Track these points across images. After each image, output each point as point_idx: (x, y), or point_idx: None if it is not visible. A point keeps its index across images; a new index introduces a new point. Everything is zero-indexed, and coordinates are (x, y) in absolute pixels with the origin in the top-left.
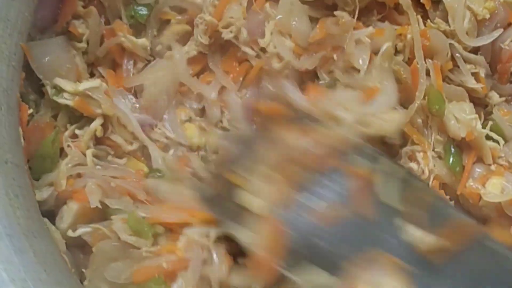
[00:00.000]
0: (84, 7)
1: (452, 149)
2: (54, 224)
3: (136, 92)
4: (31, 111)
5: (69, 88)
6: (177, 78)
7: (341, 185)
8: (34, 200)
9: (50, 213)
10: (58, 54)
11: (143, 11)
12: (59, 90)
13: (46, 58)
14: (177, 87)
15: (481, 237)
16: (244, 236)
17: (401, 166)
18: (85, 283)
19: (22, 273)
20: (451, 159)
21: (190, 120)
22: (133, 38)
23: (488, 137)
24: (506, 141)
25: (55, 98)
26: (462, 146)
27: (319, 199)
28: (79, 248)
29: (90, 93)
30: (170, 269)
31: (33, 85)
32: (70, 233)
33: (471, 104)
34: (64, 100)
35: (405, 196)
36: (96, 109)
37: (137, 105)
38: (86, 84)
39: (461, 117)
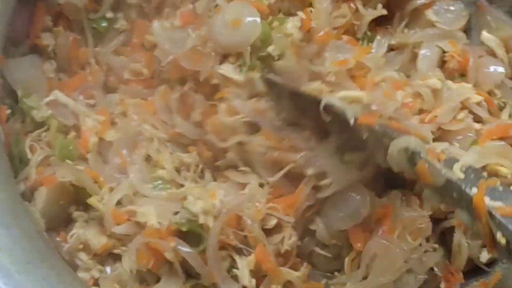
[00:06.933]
0: (52, 21)
1: None
2: None
3: None
4: (9, 111)
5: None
6: None
7: None
8: (15, 186)
9: None
10: (31, 71)
11: (104, 23)
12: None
13: (20, 75)
14: None
15: None
16: None
17: None
18: None
19: (10, 244)
20: None
21: None
22: None
23: None
24: None
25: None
26: None
27: None
28: None
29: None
30: None
31: (8, 91)
32: None
33: None
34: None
35: None
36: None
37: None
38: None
39: None
